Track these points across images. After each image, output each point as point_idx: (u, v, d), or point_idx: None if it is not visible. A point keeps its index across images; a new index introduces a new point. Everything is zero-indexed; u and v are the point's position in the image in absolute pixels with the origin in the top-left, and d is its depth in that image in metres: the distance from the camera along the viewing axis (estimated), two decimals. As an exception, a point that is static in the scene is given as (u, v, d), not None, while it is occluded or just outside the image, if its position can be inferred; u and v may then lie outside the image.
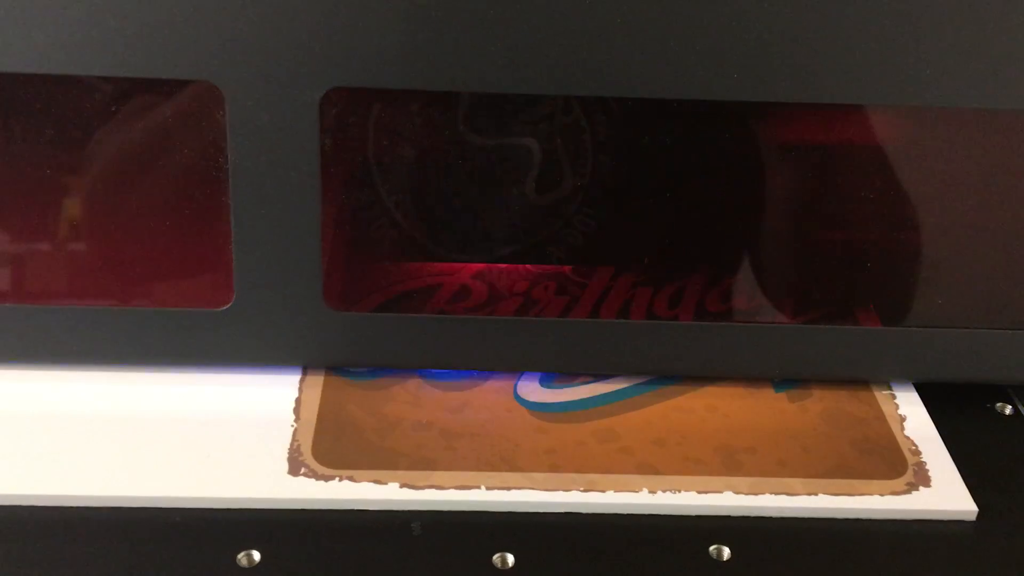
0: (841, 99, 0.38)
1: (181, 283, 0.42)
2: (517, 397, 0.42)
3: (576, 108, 0.42)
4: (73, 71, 0.37)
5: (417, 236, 0.44)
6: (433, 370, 0.43)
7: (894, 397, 0.43)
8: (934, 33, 0.37)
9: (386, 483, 0.37)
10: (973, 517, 0.38)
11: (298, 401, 0.41)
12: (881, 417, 0.42)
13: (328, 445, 0.39)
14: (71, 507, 0.36)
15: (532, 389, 0.42)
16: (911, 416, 0.42)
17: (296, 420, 0.40)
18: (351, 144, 0.41)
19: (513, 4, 0.36)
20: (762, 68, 0.37)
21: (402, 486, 0.37)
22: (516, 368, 0.43)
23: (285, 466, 0.38)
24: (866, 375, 0.44)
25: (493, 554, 0.35)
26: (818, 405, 0.42)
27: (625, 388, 0.43)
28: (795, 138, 0.43)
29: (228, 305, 0.40)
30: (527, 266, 0.45)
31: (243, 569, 0.34)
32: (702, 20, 0.37)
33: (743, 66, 0.37)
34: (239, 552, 0.35)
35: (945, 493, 0.38)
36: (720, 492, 0.37)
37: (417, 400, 0.41)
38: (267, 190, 0.39)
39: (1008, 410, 0.43)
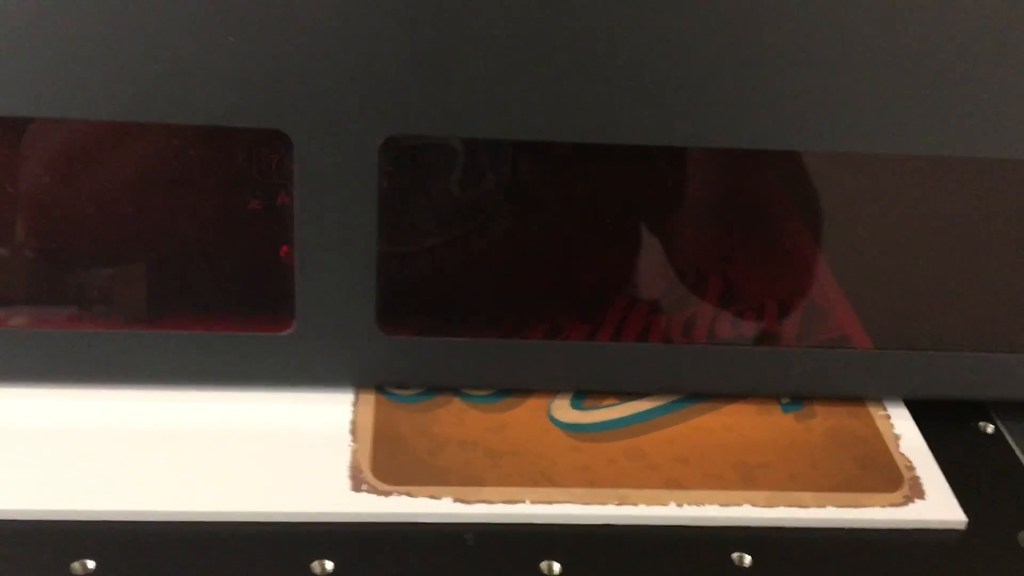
0: (838, 147, 0.43)
1: (248, 310, 0.45)
2: (551, 418, 0.46)
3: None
4: (156, 119, 0.40)
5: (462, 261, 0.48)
6: (473, 393, 0.47)
7: (889, 418, 0.47)
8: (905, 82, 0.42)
9: (440, 498, 0.41)
10: (963, 526, 0.42)
11: (353, 423, 0.45)
12: (879, 436, 0.46)
13: (385, 463, 0.42)
14: (151, 522, 0.39)
15: (564, 411, 0.46)
16: (905, 435, 0.46)
17: (354, 440, 0.44)
18: (406, 186, 0.45)
19: (563, 52, 0.40)
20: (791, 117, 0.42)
21: (455, 500, 0.41)
22: (553, 388, 0.48)
23: (348, 483, 0.41)
24: (861, 393, 0.49)
25: (540, 561, 0.39)
26: (822, 425, 0.47)
27: (650, 410, 0.47)
28: (786, 173, 0.47)
29: (290, 331, 0.44)
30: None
31: (318, 576, 0.38)
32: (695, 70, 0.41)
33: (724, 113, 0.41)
34: (313, 561, 0.38)
35: (937, 505, 0.43)
36: (740, 505, 0.42)
37: (461, 421, 0.45)
38: (328, 227, 0.42)
39: (990, 429, 0.48)
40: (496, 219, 0.47)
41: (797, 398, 0.48)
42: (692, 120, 0.41)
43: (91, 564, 0.37)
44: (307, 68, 0.40)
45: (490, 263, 0.47)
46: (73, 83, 0.39)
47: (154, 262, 0.45)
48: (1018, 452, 0.47)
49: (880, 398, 0.49)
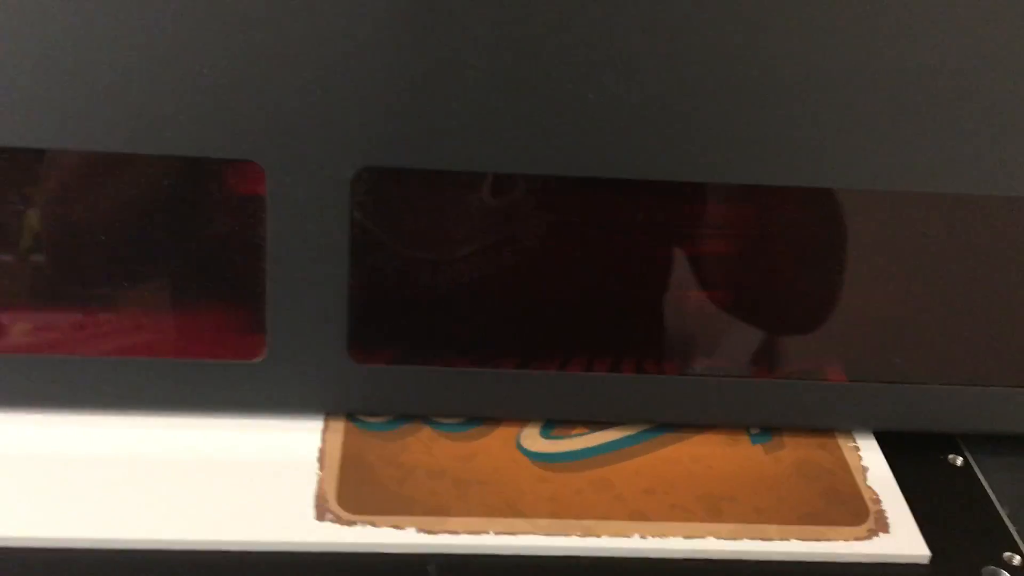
0: (808, 182, 0.43)
1: (219, 337, 0.46)
2: (520, 447, 0.46)
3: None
4: (130, 150, 0.41)
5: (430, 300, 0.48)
6: (443, 421, 0.47)
7: (858, 449, 0.48)
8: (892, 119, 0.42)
9: (404, 528, 0.41)
10: (927, 561, 0.42)
11: (322, 451, 0.45)
12: (846, 468, 0.46)
13: (351, 492, 0.43)
14: (110, 549, 0.39)
15: (533, 440, 0.47)
16: (872, 467, 0.46)
17: (321, 468, 0.44)
18: (379, 218, 0.45)
19: (541, 88, 0.40)
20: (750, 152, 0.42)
21: (419, 531, 0.41)
22: (521, 417, 0.48)
23: (312, 512, 0.41)
24: (832, 425, 0.49)
25: (502, 594, 0.39)
26: (790, 456, 0.47)
27: (617, 440, 0.47)
28: (763, 211, 0.47)
29: (261, 358, 0.44)
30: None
31: (278, 607, 0.38)
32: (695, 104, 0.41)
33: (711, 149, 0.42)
34: (274, 592, 0.38)
35: (902, 539, 0.43)
36: (704, 537, 0.42)
37: (430, 450, 0.45)
38: (300, 257, 0.43)
39: (959, 461, 0.48)
40: (473, 248, 0.47)
41: (768, 429, 0.48)
42: (671, 154, 0.42)
43: (51, 593, 0.38)
44: (280, 99, 0.40)
45: (464, 292, 0.48)
46: (44, 113, 0.40)
47: (124, 289, 0.45)
48: (986, 485, 0.47)
49: (851, 429, 0.49)
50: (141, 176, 0.43)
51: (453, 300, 0.47)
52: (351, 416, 0.47)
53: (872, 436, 0.48)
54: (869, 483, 0.46)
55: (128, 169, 0.43)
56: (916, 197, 0.45)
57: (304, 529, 0.41)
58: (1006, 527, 0.45)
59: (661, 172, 0.42)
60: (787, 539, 0.42)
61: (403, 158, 0.41)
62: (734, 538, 0.42)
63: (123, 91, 0.39)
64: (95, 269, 0.44)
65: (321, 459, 0.44)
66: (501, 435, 0.47)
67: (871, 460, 0.47)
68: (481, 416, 0.47)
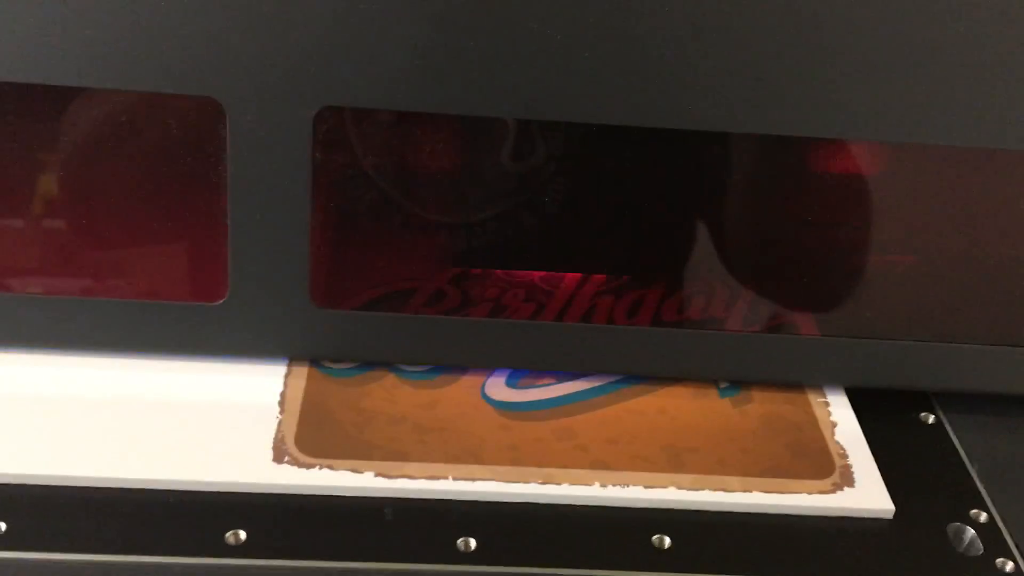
0: (796, 132, 0.42)
1: (181, 279, 0.45)
2: (484, 396, 0.46)
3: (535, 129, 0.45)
4: (90, 84, 0.40)
5: (398, 237, 0.47)
6: (408, 367, 0.47)
7: (828, 405, 0.47)
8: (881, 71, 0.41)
9: (362, 472, 0.41)
10: (891, 516, 0.42)
11: (283, 395, 0.44)
12: (814, 423, 0.46)
13: (310, 436, 0.42)
14: (72, 487, 0.39)
15: (498, 389, 0.46)
16: (842, 423, 0.46)
17: (281, 412, 0.43)
18: (340, 157, 0.44)
19: (497, 30, 0.40)
20: (728, 100, 0.41)
21: (376, 475, 0.41)
22: (485, 365, 0.47)
23: (271, 454, 0.41)
24: (804, 380, 0.48)
25: (458, 538, 0.39)
26: (758, 410, 0.46)
27: (584, 391, 0.46)
28: (747, 163, 0.47)
29: (223, 300, 0.44)
30: (498, 272, 0.49)
31: (231, 546, 0.38)
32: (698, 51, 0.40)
33: (710, 97, 0.41)
34: (227, 531, 0.38)
35: (866, 493, 0.42)
36: (664, 487, 0.41)
37: (392, 397, 0.45)
38: (262, 197, 0.42)
39: (931, 419, 0.48)
40: (442, 193, 0.47)
41: (739, 382, 0.48)
42: (631, 100, 0.41)
43: (2, 526, 0.37)
44: (241, 36, 0.39)
45: (429, 236, 0.47)
46: (2, 45, 0.39)
47: (85, 229, 0.45)
48: (957, 443, 0.46)
49: (822, 384, 0.48)
50: (100, 113, 0.42)
51: (417, 244, 0.46)
52: (314, 361, 0.46)
53: (843, 393, 0.48)
54: (837, 438, 0.45)
55: (88, 105, 0.42)
56: (891, 149, 0.44)
57: (261, 471, 0.40)
58: (975, 485, 0.44)
59: (616, 117, 0.42)
60: (749, 491, 0.42)
61: (364, 97, 0.40)
62: (695, 488, 0.41)
63: (83, 25, 0.39)
64: (55, 209, 0.44)
65: (282, 402, 0.44)
66: (466, 383, 0.46)
67: (841, 416, 0.46)
68: (444, 364, 0.47)
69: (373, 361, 0.47)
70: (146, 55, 0.39)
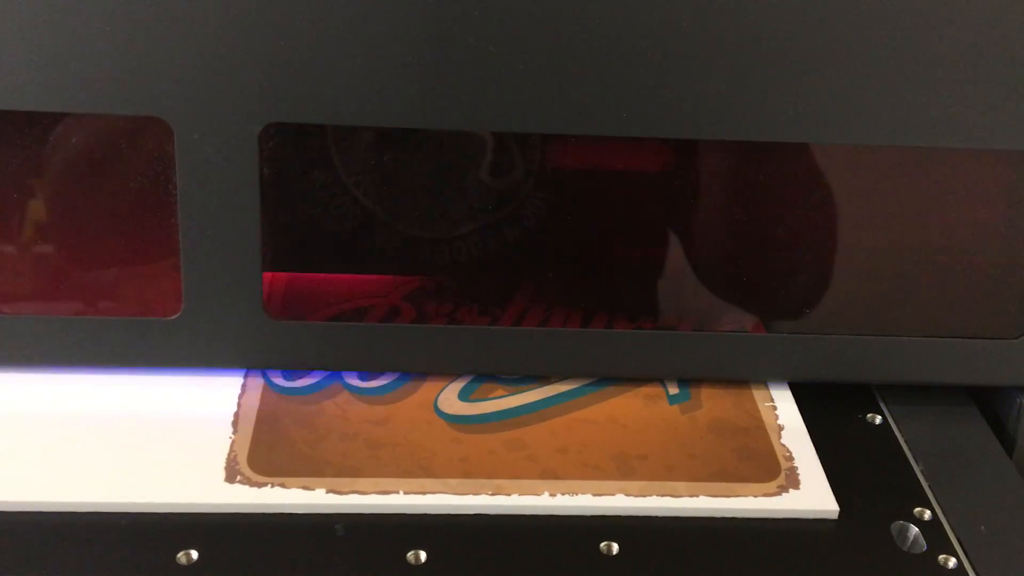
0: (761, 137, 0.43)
1: (135, 294, 0.46)
2: (437, 410, 0.46)
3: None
4: (39, 108, 0.41)
5: (351, 251, 0.48)
6: (361, 385, 0.47)
7: (775, 408, 0.48)
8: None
9: (314, 489, 0.41)
10: (835, 516, 0.42)
11: (236, 415, 0.45)
12: (761, 427, 0.47)
13: (262, 455, 0.43)
14: (17, 511, 0.40)
15: (451, 403, 0.47)
16: (788, 425, 0.47)
17: (234, 432, 0.44)
18: (288, 172, 0.45)
19: (444, 43, 0.40)
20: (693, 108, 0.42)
21: (328, 491, 0.41)
22: (441, 371, 0.48)
23: (223, 474, 0.42)
24: (749, 376, 0.49)
25: (407, 552, 0.39)
26: (706, 416, 0.47)
27: (535, 402, 0.47)
28: (691, 164, 0.48)
29: (177, 315, 0.44)
30: (452, 287, 0.50)
31: (182, 567, 0.38)
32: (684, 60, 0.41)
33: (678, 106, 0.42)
34: (179, 552, 0.39)
35: (811, 494, 0.43)
36: (613, 495, 0.42)
37: (345, 414, 0.46)
38: (211, 213, 0.43)
39: (878, 420, 0.49)
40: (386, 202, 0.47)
41: (687, 389, 0.49)
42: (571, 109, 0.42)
43: (-47, 554, 0.38)
44: (185, 55, 0.40)
45: (377, 246, 0.48)
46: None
47: (40, 247, 0.45)
48: (902, 441, 0.47)
49: (767, 380, 0.49)
50: (52, 135, 0.43)
51: (367, 254, 0.47)
52: (269, 379, 0.47)
53: (791, 396, 0.49)
54: (783, 441, 0.46)
55: (38, 128, 0.43)
56: (836, 148, 0.45)
57: (213, 491, 0.41)
58: (919, 483, 0.45)
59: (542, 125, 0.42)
60: (696, 495, 0.42)
61: (309, 113, 0.41)
62: (643, 495, 0.42)
63: (30, 49, 0.40)
64: (7, 229, 0.44)
65: (235, 422, 0.44)
66: (418, 399, 0.47)
67: (787, 419, 0.47)
68: (400, 371, 0.48)
69: (329, 370, 0.47)
70: (92, 77, 0.40)
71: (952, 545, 0.42)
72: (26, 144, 0.44)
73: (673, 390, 0.48)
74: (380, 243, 0.49)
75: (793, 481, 0.44)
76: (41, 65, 0.40)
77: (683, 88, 0.41)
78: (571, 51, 0.41)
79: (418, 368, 0.48)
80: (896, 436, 0.48)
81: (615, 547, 0.40)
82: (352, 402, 0.46)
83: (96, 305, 0.46)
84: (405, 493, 0.41)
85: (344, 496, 0.41)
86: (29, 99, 0.40)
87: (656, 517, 0.42)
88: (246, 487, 0.41)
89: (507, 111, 0.41)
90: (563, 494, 0.42)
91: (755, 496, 0.43)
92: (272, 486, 0.41)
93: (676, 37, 0.41)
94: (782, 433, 0.46)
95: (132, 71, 0.40)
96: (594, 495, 0.42)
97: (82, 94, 0.40)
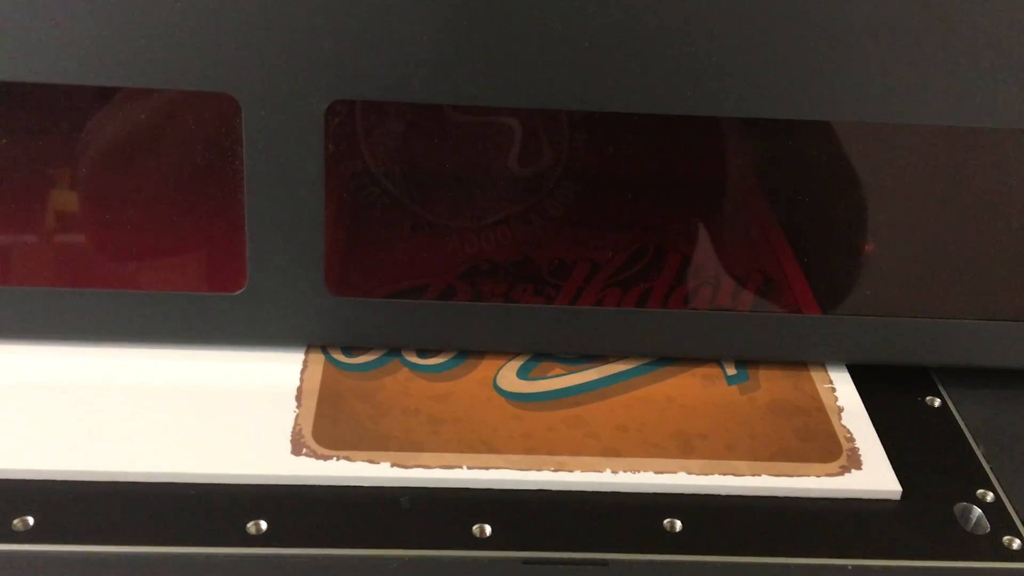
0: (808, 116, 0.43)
1: (200, 270, 0.46)
2: (496, 387, 0.47)
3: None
4: (107, 83, 0.41)
5: (412, 231, 0.48)
6: (420, 362, 0.48)
7: (834, 390, 0.48)
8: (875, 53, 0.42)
9: (378, 463, 0.42)
10: (898, 497, 0.42)
11: (299, 389, 0.45)
12: (821, 408, 0.46)
13: (327, 428, 0.43)
14: (97, 481, 0.40)
15: (510, 381, 0.47)
16: (848, 407, 0.47)
17: (298, 406, 0.44)
18: (353, 149, 0.45)
19: (510, 21, 0.40)
20: (728, 84, 0.42)
21: (392, 465, 0.42)
22: (499, 349, 0.48)
23: (289, 447, 0.42)
24: (808, 358, 0.49)
25: (473, 525, 0.40)
26: (765, 396, 0.47)
27: (593, 380, 0.47)
28: (752, 144, 0.48)
29: (241, 290, 0.45)
30: (507, 267, 0.50)
31: (252, 536, 0.39)
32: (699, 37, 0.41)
33: (712, 83, 0.42)
34: (248, 522, 0.39)
35: (874, 475, 0.43)
36: (674, 473, 0.42)
37: (406, 390, 0.46)
38: (276, 189, 0.43)
39: (937, 403, 0.48)
40: (449, 179, 0.48)
41: (744, 370, 0.49)
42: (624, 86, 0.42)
43: (31, 521, 0.38)
44: (254, 32, 0.40)
45: (441, 223, 0.48)
46: (20, 47, 0.40)
47: (106, 223, 0.46)
48: (963, 424, 0.47)
49: (825, 362, 0.49)
50: (119, 110, 0.43)
51: (430, 232, 0.47)
52: (330, 356, 0.47)
53: (849, 379, 0.49)
54: (844, 422, 0.46)
55: (107, 103, 0.43)
56: (890, 128, 0.44)
57: (280, 463, 0.41)
58: (981, 465, 0.45)
59: (623, 104, 0.42)
60: (758, 475, 0.42)
61: (373, 90, 0.41)
62: (705, 473, 0.42)
63: (98, 23, 0.40)
64: (77, 203, 0.45)
65: (299, 396, 0.45)
66: (477, 376, 0.47)
67: (847, 400, 0.47)
68: (459, 349, 0.48)
69: (389, 347, 0.47)
70: (161, 52, 0.41)
71: (1016, 527, 0.41)
72: (97, 120, 0.44)
73: (731, 370, 0.48)
74: (439, 223, 0.49)
75: (855, 462, 0.43)
76: (112, 41, 0.40)
77: (733, 65, 0.41)
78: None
79: (477, 346, 0.48)
80: (956, 418, 0.47)
81: (678, 524, 0.40)
82: (412, 379, 0.47)
83: (162, 280, 0.46)
84: (468, 468, 0.42)
85: (408, 470, 0.41)
86: (101, 74, 0.41)
87: (718, 495, 0.42)
88: (312, 459, 0.42)
89: (571, 90, 0.41)
90: (625, 471, 0.42)
91: (817, 476, 0.43)
92: (337, 459, 0.42)
93: (714, 14, 0.40)
94: (842, 414, 0.46)
95: (201, 47, 0.40)
96: (656, 472, 0.42)
97: (152, 69, 0.41)
